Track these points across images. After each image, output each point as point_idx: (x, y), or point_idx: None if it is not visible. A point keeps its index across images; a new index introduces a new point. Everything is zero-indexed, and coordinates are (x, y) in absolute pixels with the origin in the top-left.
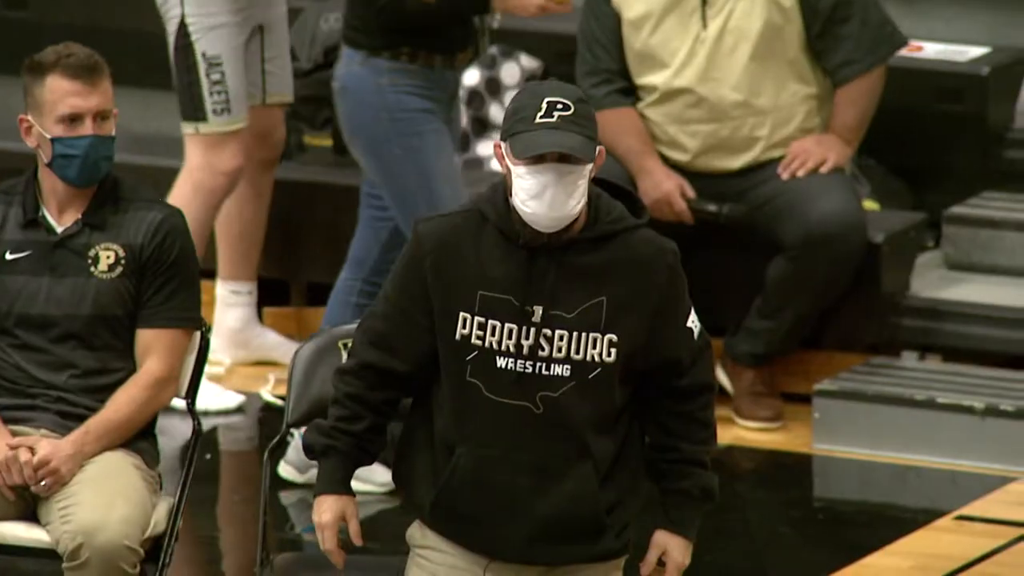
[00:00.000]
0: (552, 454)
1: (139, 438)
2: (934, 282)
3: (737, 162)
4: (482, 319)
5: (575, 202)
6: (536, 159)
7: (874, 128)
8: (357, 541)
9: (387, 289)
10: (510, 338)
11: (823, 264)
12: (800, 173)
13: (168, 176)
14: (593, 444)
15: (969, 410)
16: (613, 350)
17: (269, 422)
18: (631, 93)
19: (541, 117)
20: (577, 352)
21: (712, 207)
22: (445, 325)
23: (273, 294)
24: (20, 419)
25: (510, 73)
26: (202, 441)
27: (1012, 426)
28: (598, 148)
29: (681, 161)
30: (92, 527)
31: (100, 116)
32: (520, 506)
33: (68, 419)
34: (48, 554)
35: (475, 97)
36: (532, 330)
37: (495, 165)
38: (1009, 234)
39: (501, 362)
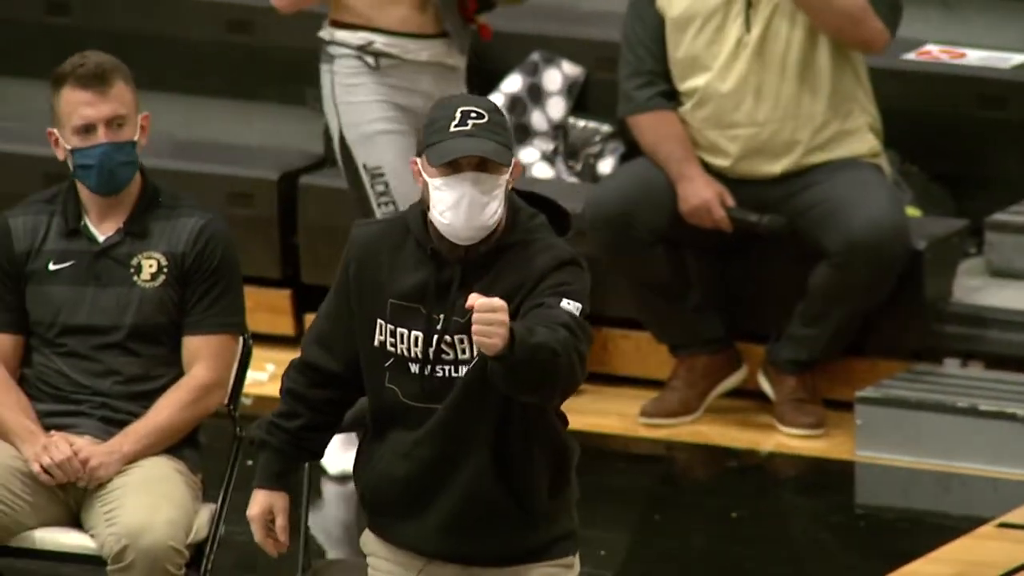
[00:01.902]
0: (453, 449)
1: (183, 444)
2: (976, 289)
3: (778, 167)
4: (392, 327)
5: (492, 212)
6: (452, 167)
7: (916, 135)
8: (282, 537)
9: (331, 289)
10: (417, 345)
11: (866, 271)
12: None
13: (210, 182)
14: (492, 438)
15: (1012, 417)
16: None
17: None
18: (673, 97)
19: (455, 126)
20: (475, 353)
21: (752, 217)
22: (364, 330)
23: (316, 300)
24: (64, 425)
25: (552, 79)
26: (243, 447)
27: None
28: (514, 159)
29: (722, 167)
30: (137, 529)
31: (114, 123)
32: (425, 500)
33: (112, 425)
34: (91, 560)
35: (517, 103)
36: (435, 337)
37: (536, 172)
38: None
39: (413, 368)
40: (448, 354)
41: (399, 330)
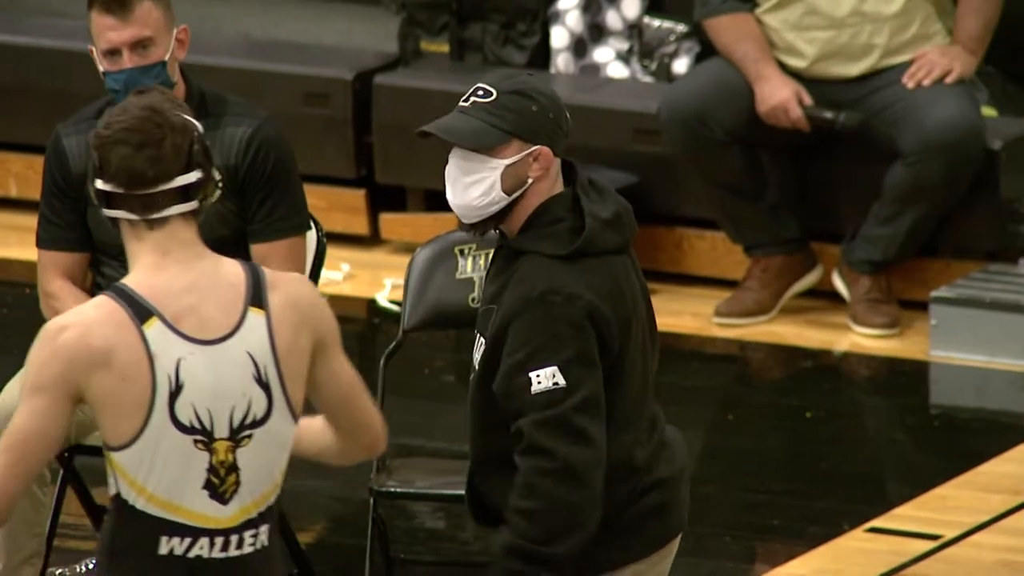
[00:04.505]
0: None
1: None
2: None
3: (855, 69)
4: None
5: (476, 195)
6: (425, 136)
7: (993, 35)
8: None
9: None
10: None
11: (941, 171)
12: (926, 83)
13: (285, 82)
14: (475, 439)
15: None
16: (480, 355)
17: (385, 328)
18: None
19: (462, 100)
20: (477, 352)
21: (828, 115)
22: None
23: (391, 200)
24: None
25: (613, 19)
26: None
27: None
28: (530, 148)
29: (798, 67)
30: None
31: (139, 46)
32: None
33: None
34: None
35: (592, 3)
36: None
37: (611, 71)
38: None
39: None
40: (476, 351)
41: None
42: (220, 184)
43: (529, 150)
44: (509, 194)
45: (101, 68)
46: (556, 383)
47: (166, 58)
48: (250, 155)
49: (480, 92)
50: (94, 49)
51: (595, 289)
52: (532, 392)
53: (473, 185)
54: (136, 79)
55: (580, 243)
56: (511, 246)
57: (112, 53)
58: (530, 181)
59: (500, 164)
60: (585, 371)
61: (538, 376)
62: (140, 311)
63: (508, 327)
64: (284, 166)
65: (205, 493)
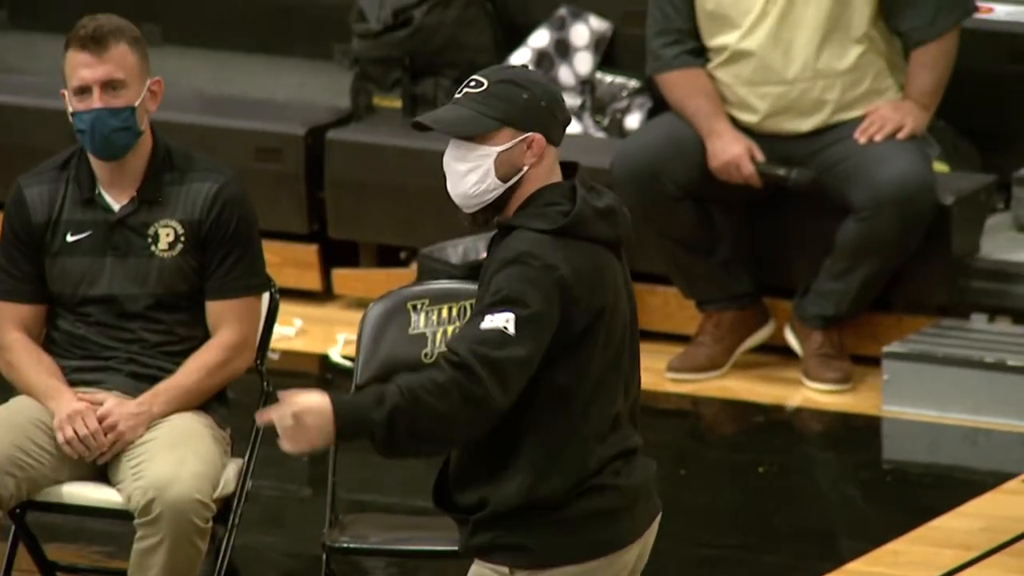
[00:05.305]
0: None
1: (211, 400)
2: (1004, 244)
3: (806, 124)
4: None
5: (471, 183)
6: (419, 128)
7: (943, 91)
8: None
9: None
10: None
11: (893, 226)
12: (878, 138)
13: (238, 137)
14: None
15: None
16: None
17: (339, 383)
18: (701, 54)
19: (456, 92)
20: None
21: (781, 171)
22: None
23: (343, 255)
24: (92, 381)
25: (579, 34)
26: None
27: None
28: (521, 136)
29: (750, 123)
30: (164, 482)
31: (111, 86)
32: None
33: (140, 380)
34: (118, 514)
35: (544, 58)
36: None
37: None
38: None
39: None
40: None
41: None
42: (182, 238)
43: (521, 137)
44: (504, 181)
45: (70, 109)
46: (506, 328)
47: (136, 104)
48: (214, 212)
49: (472, 83)
50: (65, 93)
51: (572, 266)
52: (481, 327)
53: (469, 173)
54: (104, 120)
55: (567, 221)
56: (504, 224)
57: (83, 91)
58: (525, 168)
59: (493, 151)
60: (535, 334)
61: (492, 318)
62: None
63: (489, 285)
64: (247, 225)
65: None
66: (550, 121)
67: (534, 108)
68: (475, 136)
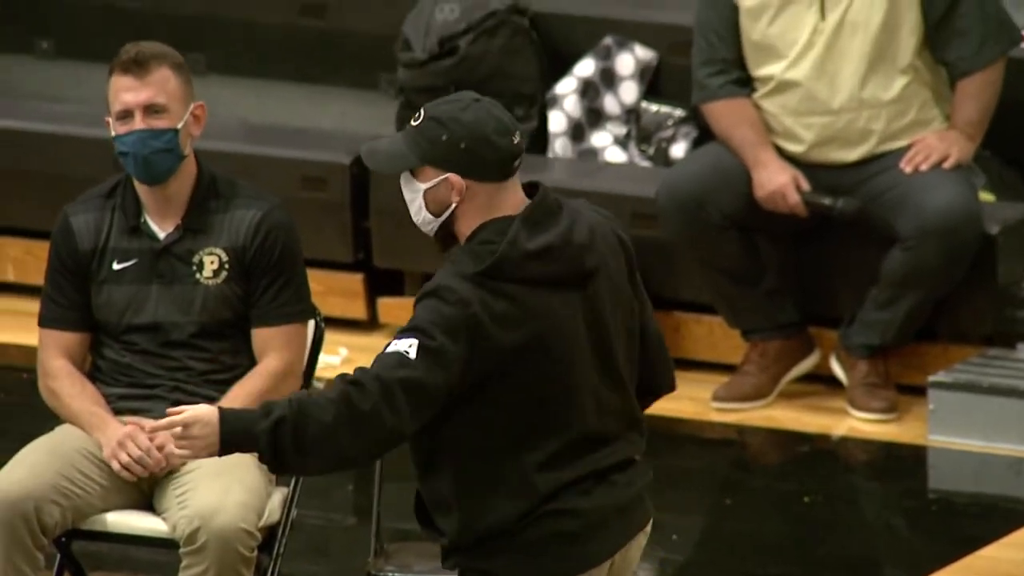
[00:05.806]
0: None
1: None
2: None
3: (852, 154)
4: None
5: (414, 213)
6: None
7: (991, 120)
8: None
9: None
10: None
11: (938, 255)
12: (923, 168)
13: (283, 167)
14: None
15: None
16: None
17: None
18: (747, 83)
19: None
20: None
21: (826, 200)
22: None
23: (388, 284)
24: (137, 409)
25: (624, 64)
26: None
27: None
28: (445, 176)
29: (796, 153)
30: (209, 511)
31: (152, 109)
32: None
33: None
34: (164, 543)
35: (589, 87)
36: None
37: (609, 156)
38: None
39: None
40: None
41: None
42: (227, 265)
43: (442, 176)
44: (436, 216)
45: (113, 133)
46: (407, 352)
47: (178, 126)
48: (259, 239)
49: (417, 114)
50: (109, 120)
51: (488, 309)
52: (385, 351)
53: (412, 203)
54: (146, 141)
55: (485, 267)
56: (447, 256)
57: (125, 114)
58: (452, 206)
59: (420, 188)
60: (436, 363)
61: (397, 343)
62: None
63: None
64: (291, 252)
65: None
66: (469, 161)
67: (452, 149)
68: (400, 171)
